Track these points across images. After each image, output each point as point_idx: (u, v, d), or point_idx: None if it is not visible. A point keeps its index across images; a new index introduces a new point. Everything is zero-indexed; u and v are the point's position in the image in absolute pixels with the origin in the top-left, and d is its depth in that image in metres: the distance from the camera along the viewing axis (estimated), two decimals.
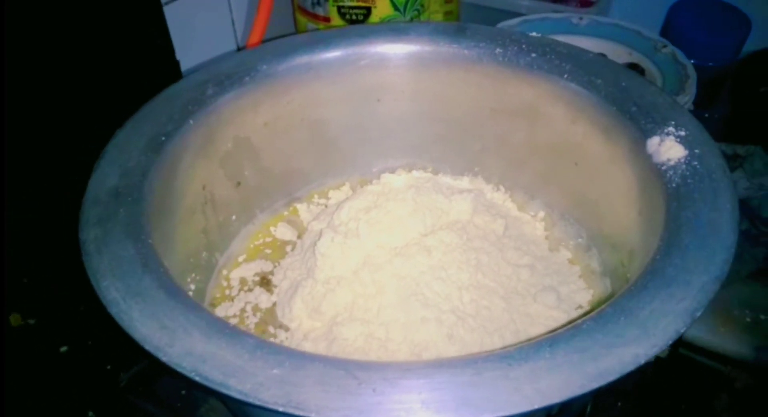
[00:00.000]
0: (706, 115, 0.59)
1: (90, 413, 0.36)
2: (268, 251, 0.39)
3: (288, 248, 0.39)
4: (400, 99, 0.41)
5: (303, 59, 0.38)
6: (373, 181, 0.41)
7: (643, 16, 0.65)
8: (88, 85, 0.47)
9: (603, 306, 0.23)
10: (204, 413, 0.36)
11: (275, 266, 0.38)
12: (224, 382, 0.22)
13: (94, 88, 0.48)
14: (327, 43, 0.39)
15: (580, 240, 0.37)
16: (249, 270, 0.37)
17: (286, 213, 0.41)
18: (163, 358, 0.23)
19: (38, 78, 0.44)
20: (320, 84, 0.39)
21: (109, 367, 0.37)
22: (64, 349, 0.39)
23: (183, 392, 0.36)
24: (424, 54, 0.39)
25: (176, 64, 0.55)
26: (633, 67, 0.55)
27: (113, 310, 0.24)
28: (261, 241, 0.40)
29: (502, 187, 0.41)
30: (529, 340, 0.31)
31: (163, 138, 0.32)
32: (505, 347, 0.31)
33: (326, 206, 0.41)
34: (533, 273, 0.35)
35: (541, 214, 0.39)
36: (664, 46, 0.56)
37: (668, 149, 0.29)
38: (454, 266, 0.34)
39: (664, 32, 0.65)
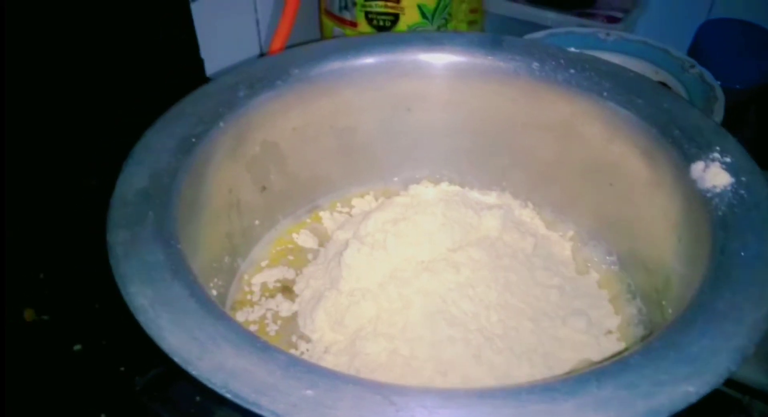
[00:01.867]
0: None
1: (102, 415, 0.35)
2: (290, 258, 0.38)
3: (309, 256, 0.38)
4: (431, 109, 0.40)
5: (336, 65, 0.38)
6: (401, 193, 0.41)
7: (671, 34, 0.64)
8: (112, 80, 0.47)
9: (650, 339, 0.22)
10: None
11: (297, 274, 0.37)
12: (256, 401, 0.21)
13: (118, 83, 0.47)
14: (360, 49, 0.38)
15: (610, 262, 0.36)
16: (271, 276, 0.37)
17: (308, 220, 0.41)
18: (193, 372, 0.22)
19: (65, 75, 0.44)
20: (352, 91, 0.38)
21: (123, 368, 0.37)
22: (77, 347, 0.38)
23: (197, 399, 0.35)
24: (460, 65, 0.38)
25: (200, 61, 0.54)
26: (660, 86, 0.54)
27: (141, 318, 0.23)
28: (283, 247, 0.39)
29: (530, 204, 0.40)
30: (561, 367, 0.30)
31: (193, 139, 0.32)
32: (532, 372, 0.30)
33: (349, 215, 0.41)
34: (562, 295, 0.34)
35: (570, 233, 0.39)
36: (692, 66, 0.55)
37: (714, 176, 0.28)
38: (483, 284, 0.33)
39: (692, 52, 0.64)
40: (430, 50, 0.38)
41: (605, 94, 0.34)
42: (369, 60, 0.38)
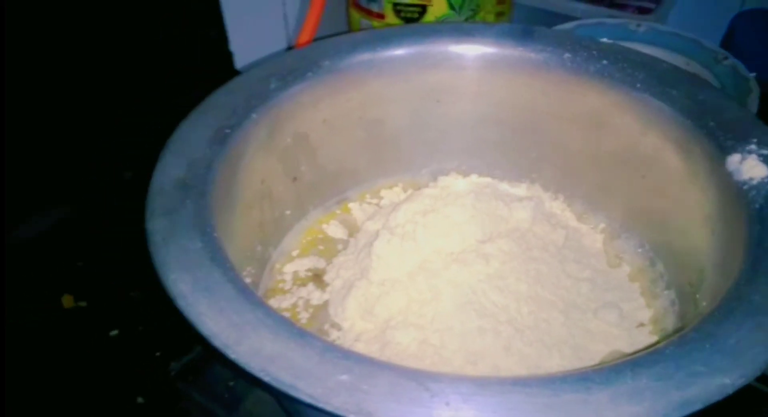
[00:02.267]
0: None
1: (139, 399, 0.36)
2: (321, 248, 0.39)
3: (339, 246, 0.39)
4: (460, 101, 0.40)
5: (365, 56, 0.38)
6: (430, 184, 0.41)
7: (703, 26, 0.63)
8: (146, 75, 0.48)
9: (685, 330, 0.22)
10: (250, 405, 0.36)
11: (328, 263, 0.38)
12: (293, 385, 0.21)
13: (152, 78, 0.48)
14: (389, 40, 0.38)
15: (642, 255, 0.36)
16: (302, 265, 0.37)
17: (338, 211, 0.41)
18: (232, 356, 0.22)
19: (102, 71, 0.45)
20: (381, 82, 0.38)
21: (158, 354, 0.38)
22: (114, 333, 0.39)
23: (231, 384, 0.36)
24: (490, 56, 0.38)
25: (230, 55, 0.55)
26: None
27: (181, 304, 0.24)
28: (313, 237, 0.39)
29: (560, 196, 0.40)
30: (592, 358, 0.30)
31: (227, 131, 0.32)
32: (563, 363, 0.30)
33: (379, 206, 0.41)
34: (594, 287, 0.34)
35: (601, 225, 0.38)
36: (725, 58, 0.54)
37: (750, 168, 0.28)
38: (513, 276, 0.33)
39: (725, 44, 0.63)
40: (460, 41, 0.38)
41: (638, 85, 0.34)
42: (398, 51, 0.38)
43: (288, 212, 0.39)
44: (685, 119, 0.32)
